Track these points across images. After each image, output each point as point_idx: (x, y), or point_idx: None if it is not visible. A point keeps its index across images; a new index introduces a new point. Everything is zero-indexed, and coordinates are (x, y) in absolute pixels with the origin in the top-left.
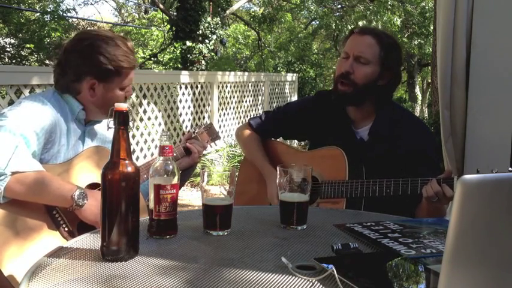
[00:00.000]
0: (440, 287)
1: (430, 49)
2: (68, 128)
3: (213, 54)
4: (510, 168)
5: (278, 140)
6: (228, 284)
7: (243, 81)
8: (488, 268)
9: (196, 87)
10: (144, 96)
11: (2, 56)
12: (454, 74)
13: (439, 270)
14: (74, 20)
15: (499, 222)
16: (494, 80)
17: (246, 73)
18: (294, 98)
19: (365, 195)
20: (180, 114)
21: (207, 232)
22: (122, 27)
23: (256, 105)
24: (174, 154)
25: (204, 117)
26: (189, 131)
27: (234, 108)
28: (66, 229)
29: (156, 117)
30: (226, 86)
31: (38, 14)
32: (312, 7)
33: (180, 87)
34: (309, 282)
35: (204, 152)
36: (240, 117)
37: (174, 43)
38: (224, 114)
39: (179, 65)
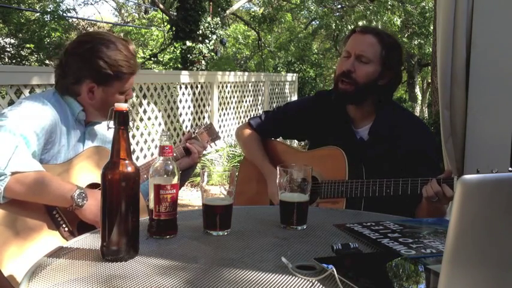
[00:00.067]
0: (440, 287)
1: (430, 49)
2: (68, 128)
3: (213, 54)
4: (510, 168)
5: (278, 139)
6: (228, 284)
7: (243, 81)
8: (488, 268)
9: (196, 87)
10: (144, 96)
11: (2, 56)
12: (454, 74)
13: (439, 270)
14: (74, 20)
15: (499, 222)
16: (494, 80)
17: (246, 73)
18: (294, 98)
19: (365, 195)
20: (180, 114)
21: (207, 232)
22: (122, 27)
23: (256, 105)
24: (174, 154)
25: (204, 117)
26: (189, 131)
27: (234, 108)
28: (66, 229)
29: (156, 117)
30: (226, 86)
31: (38, 14)
32: (312, 7)
33: (180, 87)
34: (309, 282)
35: (204, 152)
36: (240, 117)
37: (174, 43)
38: (224, 114)
39: (179, 65)
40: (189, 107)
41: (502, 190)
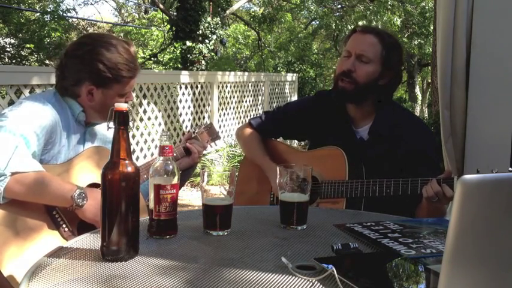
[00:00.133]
0: (440, 287)
1: (430, 49)
2: (68, 128)
3: (213, 54)
4: (510, 168)
5: (278, 140)
6: (228, 284)
7: (243, 81)
8: (488, 268)
9: (196, 87)
10: (144, 96)
11: (2, 56)
12: (454, 74)
13: (439, 270)
14: (74, 20)
15: (498, 222)
16: (494, 80)
17: (246, 73)
18: (294, 98)
19: (365, 195)
20: (180, 114)
21: (207, 232)
22: (122, 27)
23: (256, 105)
24: (174, 154)
25: (204, 117)
26: (189, 131)
27: (234, 108)
28: (66, 229)
29: (156, 117)
30: (226, 86)
31: (38, 14)
32: (312, 7)
33: (180, 87)
34: (309, 282)
35: (204, 152)
36: (240, 117)
37: (174, 43)
38: (224, 114)
39: (179, 65)
40: (189, 107)
41: (502, 190)
